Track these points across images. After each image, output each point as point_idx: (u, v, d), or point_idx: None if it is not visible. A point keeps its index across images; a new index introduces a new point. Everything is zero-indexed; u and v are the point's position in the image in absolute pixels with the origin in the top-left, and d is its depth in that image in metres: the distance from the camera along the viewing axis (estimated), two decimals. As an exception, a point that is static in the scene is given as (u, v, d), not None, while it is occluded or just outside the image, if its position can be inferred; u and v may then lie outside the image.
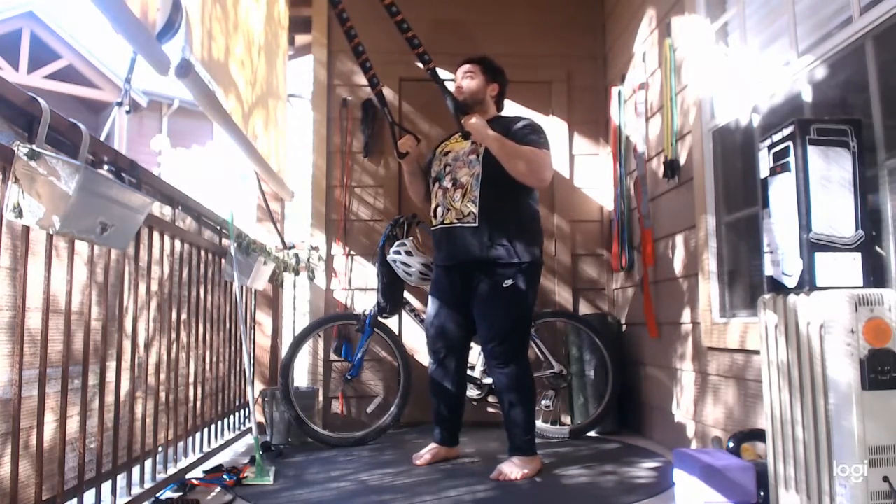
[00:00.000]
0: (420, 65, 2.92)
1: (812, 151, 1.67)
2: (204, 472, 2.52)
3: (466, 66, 2.83)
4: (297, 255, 3.58)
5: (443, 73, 3.82)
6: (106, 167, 1.78)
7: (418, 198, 2.94)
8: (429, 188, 2.85)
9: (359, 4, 3.12)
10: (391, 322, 3.43)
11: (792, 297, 1.68)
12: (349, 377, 3.35)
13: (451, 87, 2.86)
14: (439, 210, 2.71)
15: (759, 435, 2.01)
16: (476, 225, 2.58)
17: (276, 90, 3.43)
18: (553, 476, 2.51)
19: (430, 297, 2.83)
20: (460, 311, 2.70)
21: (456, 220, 2.63)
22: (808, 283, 1.64)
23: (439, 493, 2.28)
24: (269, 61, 3.18)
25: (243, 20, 2.66)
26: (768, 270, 1.82)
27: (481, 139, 2.63)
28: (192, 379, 2.61)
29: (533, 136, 2.63)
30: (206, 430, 2.80)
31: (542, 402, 3.15)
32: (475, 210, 2.59)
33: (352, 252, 3.78)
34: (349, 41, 2.91)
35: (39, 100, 1.48)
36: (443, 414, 2.78)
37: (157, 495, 2.15)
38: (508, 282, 2.56)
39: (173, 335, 2.41)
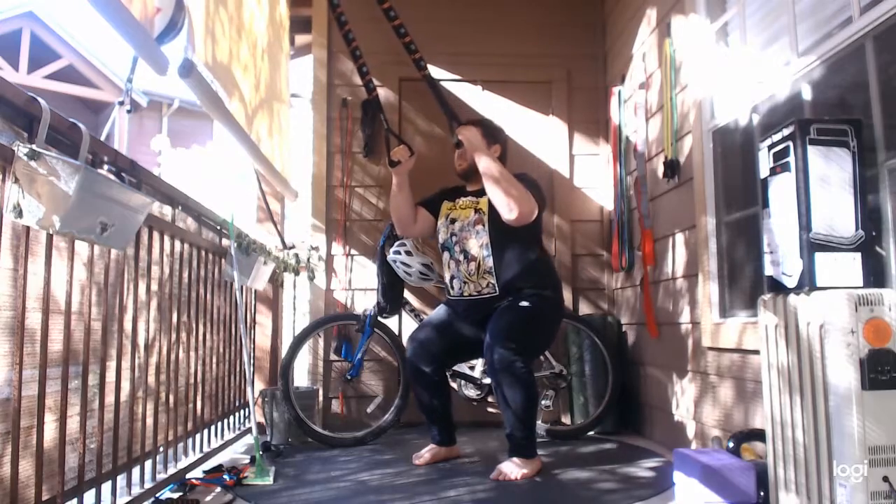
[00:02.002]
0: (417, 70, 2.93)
1: (812, 151, 1.67)
2: (204, 471, 2.53)
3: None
4: (297, 255, 3.58)
5: (442, 73, 3.85)
6: (106, 167, 1.78)
7: (397, 213, 2.84)
8: (412, 209, 2.83)
9: (361, 4, 3.12)
10: (391, 322, 3.43)
11: (792, 297, 1.68)
12: (349, 377, 3.35)
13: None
14: (455, 283, 2.71)
15: (759, 435, 2.01)
16: (497, 294, 2.61)
17: (280, 93, 3.43)
18: (553, 476, 2.51)
19: (441, 309, 2.84)
20: (460, 338, 2.74)
21: (475, 293, 2.66)
22: (808, 283, 1.64)
23: (439, 492, 2.28)
24: (273, 64, 3.18)
25: (247, 23, 2.65)
26: (768, 270, 1.82)
27: (472, 151, 2.64)
28: (192, 379, 2.61)
29: (527, 185, 2.61)
30: (206, 431, 2.80)
31: (543, 402, 3.15)
32: (493, 281, 2.61)
33: (352, 252, 3.78)
34: (347, 44, 2.91)
35: (39, 100, 1.48)
36: (434, 415, 2.78)
37: (157, 495, 2.15)
38: (525, 303, 2.57)
39: (173, 335, 2.41)
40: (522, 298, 2.59)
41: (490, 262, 2.61)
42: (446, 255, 2.76)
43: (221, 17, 2.26)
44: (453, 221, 2.75)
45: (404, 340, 3.43)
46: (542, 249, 2.77)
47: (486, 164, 2.61)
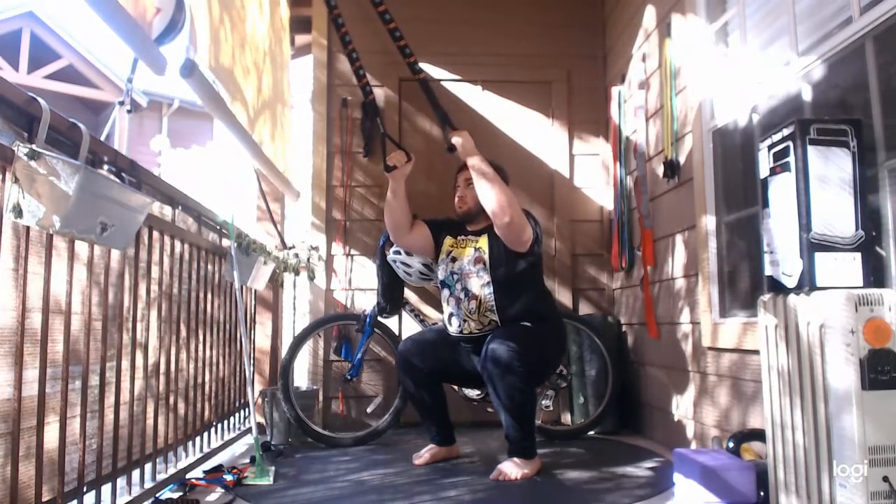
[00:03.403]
0: (411, 74, 2.93)
1: (812, 151, 1.67)
2: (204, 471, 2.52)
3: (466, 174, 2.72)
4: (297, 255, 3.58)
5: (442, 73, 3.86)
6: (106, 167, 1.78)
7: (391, 219, 2.81)
8: (407, 217, 2.81)
9: (361, 4, 3.12)
10: (391, 322, 3.43)
11: (792, 297, 1.68)
12: (349, 377, 3.35)
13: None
14: (455, 320, 2.69)
15: (759, 435, 2.02)
16: (500, 328, 2.61)
17: (282, 96, 3.43)
18: (553, 476, 2.51)
19: (435, 328, 2.83)
20: (465, 361, 2.73)
21: (477, 331, 2.64)
22: (808, 283, 1.64)
23: (439, 492, 2.28)
24: (275, 67, 3.18)
25: (249, 27, 2.65)
26: (768, 270, 1.82)
27: (465, 155, 2.63)
28: (192, 380, 2.61)
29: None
30: (206, 431, 2.80)
31: (542, 402, 3.15)
32: (496, 318, 2.60)
33: (352, 252, 3.78)
34: (344, 47, 2.92)
35: (39, 100, 1.49)
36: (431, 415, 2.78)
37: (158, 495, 2.15)
38: (527, 323, 2.58)
39: (174, 336, 2.41)
40: (524, 320, 2.60)
41: (492, 301, 2.59)
42: (446, 291, 2.73)
43: (224, 21, 2.26)
44: (454, 260, 2.73)
45: (404, 340, 3.44)
46: (544, 286, 2.77)
47: (478, 165, 2.58)
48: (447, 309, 2.74)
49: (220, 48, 2.20)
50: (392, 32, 2.88)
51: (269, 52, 3.02)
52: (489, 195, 2.55)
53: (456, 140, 2.65)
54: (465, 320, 2.65)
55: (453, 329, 2.71)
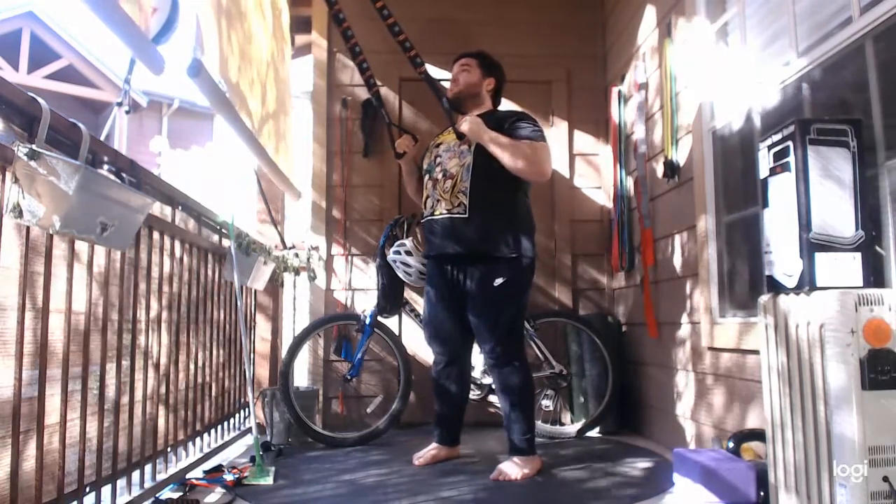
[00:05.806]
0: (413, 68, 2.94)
1: (812, 151, 1.67)
2: (204, 471, 2.53)
3: (463, 60, 2.83)
4: (297, 255, 3.58)
5: (440, 73, 3.84)
6: (106, 167, 1.78)
7: (413, 194, 2.95)
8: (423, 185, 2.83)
9: (360, 2, 3.12)
10: (391, 322, 3.43)
11: (792, 298, 1.68)
12: (349, 377, 3.35)
13: (447, 86, 2.86)
14: (429, 202, 2.68)
15: (759, 435, 2.02)
16: (466, 216, 2.55)
17: (284, 103, 3.42)
18: (553, 476, 2.51)
19: (425, 294, 2.81)
20: (456, 305, 2.65)
21: (445, 212, 2.59)
22: (808, 283, 1.64)
23: (439, 492, 2.28)
24: (278, 75, 3.17)
25: (255, 39, 2.64)
26: (768, 270, 1.82)
27: (477, 140, 2.59)
28: (192, 380, 2.61)
29: (529, 130, 2.59)
30: (206, 432, 2.80)
31: (543, 402, 3.15)
32: (465, 201, 2.56)
33: (352, 252, 3.78)
34: (346, 41, 2.92)
35: (39, 100, 1.48)
36: (445, 415, 2.78)
37: (158, 495, 2.15)
38: (499, 280, 2.53)
39: (174, 336, 2.41)
40: (493, 270, 2.53)
41: (467, 183, 2.57)
42: (426, 177, 2.73)
43: (231, 37, 2.24)
44: (438, 146, 2.75)
45: (404, 340, 3.44)
46: (523, 191, 2.67)
47: (495, 146, 2.54)
48: (425, 194, 2.73)
49: (228, 63, 2.19)
50: (391, 28, 2.88)
51: (271, 62, 3.01)
52: (519, 169, 2.53)
53: (464, 127, 2.62)
54: (438, 200, 2.63)
55: (426, 213, 2.69)
